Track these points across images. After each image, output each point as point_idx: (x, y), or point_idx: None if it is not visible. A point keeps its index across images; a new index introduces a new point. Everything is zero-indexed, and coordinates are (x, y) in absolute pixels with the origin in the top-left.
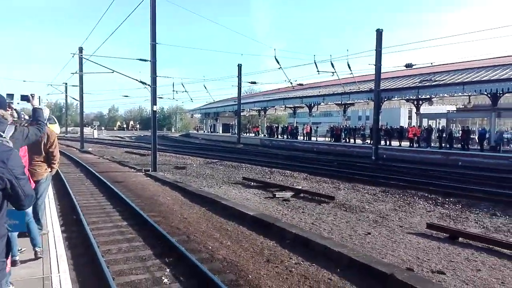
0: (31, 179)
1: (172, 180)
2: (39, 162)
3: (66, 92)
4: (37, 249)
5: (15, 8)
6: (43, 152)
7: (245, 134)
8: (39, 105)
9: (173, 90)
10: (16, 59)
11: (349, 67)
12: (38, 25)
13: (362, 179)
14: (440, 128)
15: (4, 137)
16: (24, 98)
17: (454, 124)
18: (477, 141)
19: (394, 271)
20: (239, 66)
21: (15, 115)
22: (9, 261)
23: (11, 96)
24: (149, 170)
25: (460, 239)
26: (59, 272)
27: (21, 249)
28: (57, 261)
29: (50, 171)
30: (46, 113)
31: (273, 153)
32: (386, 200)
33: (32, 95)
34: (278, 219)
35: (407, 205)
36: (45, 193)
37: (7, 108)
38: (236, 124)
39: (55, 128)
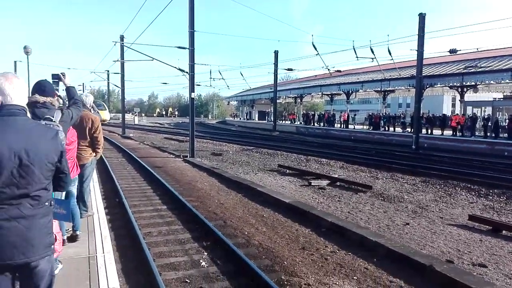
0: (77, 163)
1: (209, 166)
2: (84, 147)
3: (108, 79)
4: (77, 232)
5: None
6: (88, 137)
7: (281, 121)
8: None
9: (210, 78)
10: (61, 46)
11: (390, 53)
12: (81, 13)
13: (402, 168)
14: (486, 116)
15: (54, 121)
16: (55, 77)
17: (500, 113)
18: None
19: (433, 262)
20: (276, 53)
21: (61, 101)
22: (60, 238)
23: (56, 83)
24: (187, 156)
25: (504, 232)
26: (103, 252)
27: (68, 229)
28: (102, 241)
29: (95, 156)
30: (90, 99)
31: (309, 141)
32: (426, 190)
33: (63, 74)
34: (313, 207)
35: (448, 196)
36: (90, 177)
37: (54, 95)
38: (272, 111)
39: (105, 114)
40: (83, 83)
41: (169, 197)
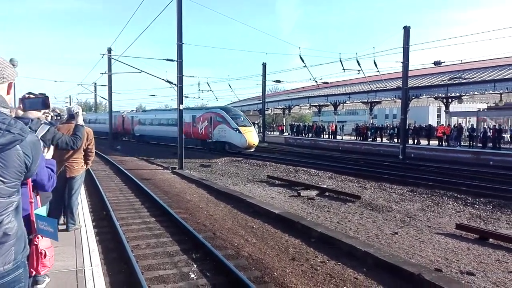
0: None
1: (198, 178)
2: (77, 159)
3: (95, 92)
4: None
5: (48, 10)
6: (82, 150)
7: (269, 132)
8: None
9: (199, 89)
10: (48, 60)
11: (376, 65)
12: (69, 27)
13: (389, 178)
14: (470, 126)
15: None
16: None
17: (484, 123)
18: (510, 140)
19: (422, 271)
20: (264, 65)
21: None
22: (50, 254)
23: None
24: (176, 167)
25: (491, 240)
26: (91, 265)
27: None
28: (90, 254)
29: (86, 168)
30: (79, 111)
31: (297, 152)
32: (414, 199)
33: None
34: (303, 218)
35: (435, 205)
36: (79, 189)
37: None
38: (261, 122)
39: (252, 136)
40: (70, 96)
41: (158, 209)
